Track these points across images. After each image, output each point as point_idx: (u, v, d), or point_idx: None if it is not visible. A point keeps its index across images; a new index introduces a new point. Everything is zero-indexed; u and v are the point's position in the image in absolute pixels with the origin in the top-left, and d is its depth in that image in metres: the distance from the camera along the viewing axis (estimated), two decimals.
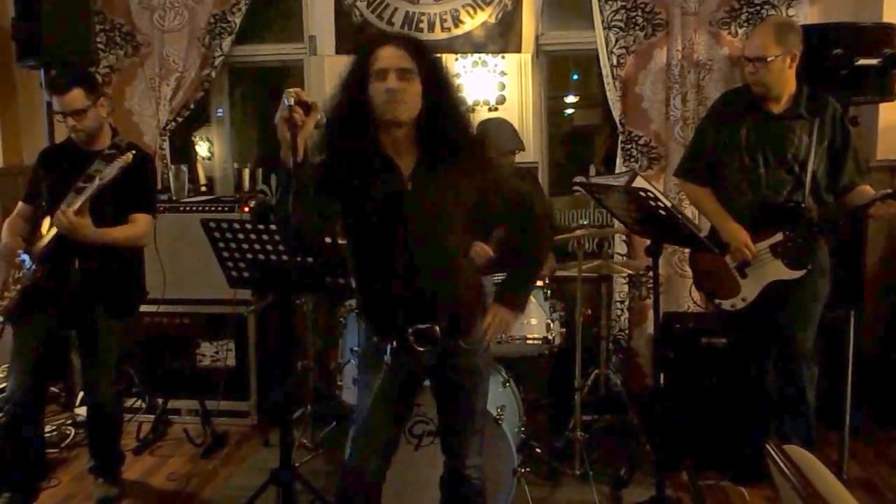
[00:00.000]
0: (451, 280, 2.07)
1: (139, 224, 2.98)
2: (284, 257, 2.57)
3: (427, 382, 2.28)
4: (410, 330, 2.05)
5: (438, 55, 2.06)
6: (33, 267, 2.85)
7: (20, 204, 3.06)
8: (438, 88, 1.99)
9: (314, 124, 1.88)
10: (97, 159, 2.90)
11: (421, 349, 2.06)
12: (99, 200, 2.78)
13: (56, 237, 2.81)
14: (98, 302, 2.95)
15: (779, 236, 2.91)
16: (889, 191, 2.80)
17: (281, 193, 1.90)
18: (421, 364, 2.12)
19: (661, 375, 2.90)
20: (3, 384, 3.52)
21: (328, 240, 2.46)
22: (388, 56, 1.94)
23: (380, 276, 2.05)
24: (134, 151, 2.81)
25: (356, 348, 3.07)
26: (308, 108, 1.86)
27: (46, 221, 2.86)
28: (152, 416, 3.81)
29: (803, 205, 2.90)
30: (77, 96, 2.85)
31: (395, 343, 2.06)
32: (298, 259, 2.51)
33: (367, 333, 2.16)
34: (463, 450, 2.22)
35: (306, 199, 1.88)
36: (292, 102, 1.82)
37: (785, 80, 2.88)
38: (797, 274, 2.91)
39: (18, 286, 2.86)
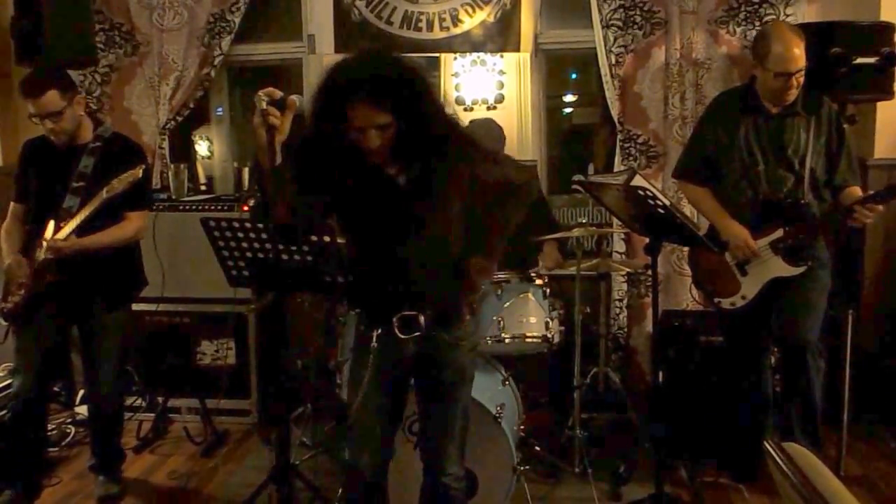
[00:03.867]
0: (441, 273, 2.07)
1: (131, 223, 2.97)
2: (284, 256, 2.57)
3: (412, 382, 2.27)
4: (396, 317, 2.06)
5: (411, 75, 1.92)
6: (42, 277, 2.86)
7: (13, 205, 3.05)
8: (417, 113, 1.90)
9: (290, 121, 1.84)
10: (84, 154, 2.90)
11: (404, 336, 2.07)
12: (94, 195, 2.80)
13: None
14: (96, 293, 2.95)
15: (779, 233, 2.92)
16: (872, 192, 2.82)
17: (261, 197, 1.91)
18: (405, 353, 2.10)
19: (660, 373, 2.91)
20: (6, 382, 3.54)
21: (326, 238, 2.47)
22: (365, 116, 1.85)
23: (372, 268, 2.06)
24: (143, 167, 2.81)
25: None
26: (283, 105, 1.83)
27: (49, 227, 2.84)
28: (153, 415, 3.82)
29: (803, 201, 2.91)
30: (52, 98, 2.80)
31: (380, 330, 2.07)
32: (297, 256, 2.52)
33: (357, 325, 2.18)
34: (441, 455, 2.19)
35: (287, 198, 1.88)
36: (264, 106, 1.80)
37: None
38: (797, 270, 2.92)
39: (23, 291, 2.86)
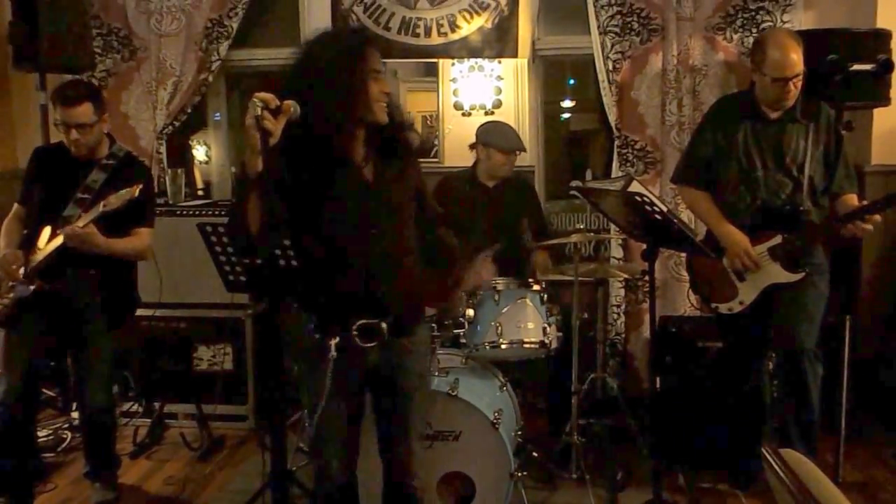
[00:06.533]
0: (402, 276, 2.06)
1: (143, 237, 2.99)
2: (282, 262, 2.57)
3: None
4: (356, 325, 2.03)
5: None
6: (31, 288, 2.84)
7: (16, 206, 3.07)
8: None
9: (282, 125, 1.84)
10: (94, 169, 2.91)
11: (365, 345, 2.04)
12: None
13: (56, 251, 2.81)
14: (91, 313, 2.94)
15: (777, 239, 2.92)
16: (865, 203, 2.82)
17: (239, 200, 1.88)
18: (365, 362, 2.07)
19: (658, 379, 2.91)
20: None
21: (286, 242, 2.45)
22: (378, 57, 1.98)
23: (331, 271, 2.02)
24: (140, 186, 2.79)
25: None
26: (277, 112, 1.83)
27: (44, 234, 2.85)
28: (149, 421, 3.81)
29: (802, 208, 2.91)
30: (86, 111, 2.86)
31: (338, 339, 2.02)
32: (294, 262, 2.52)
33: (308, 331, 2.09)
34: (407, 461, 2.18)
35: (270, 202, 1.86)
36: (259, 112, 1.80)
37: None
38: (795, 277, 2.92)
39: (12, 295, 2.86)
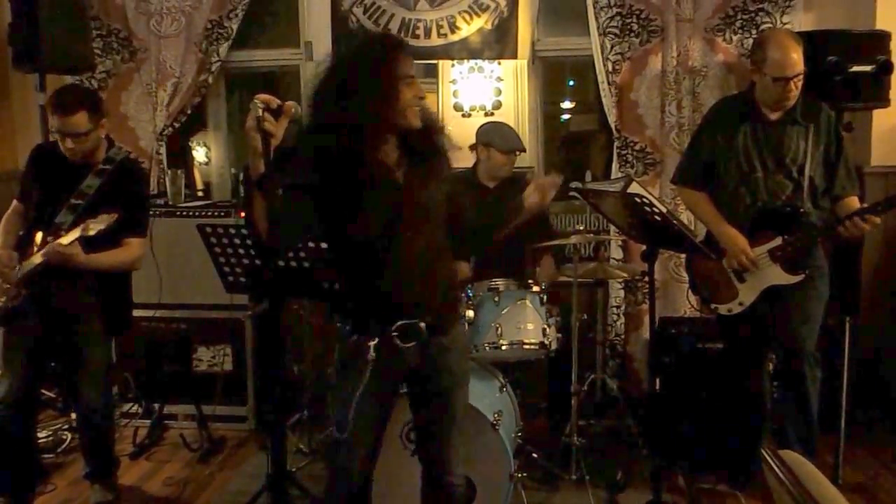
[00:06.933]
0: (437, 276, 2.08)
1: (132, 248, 2.92)
2: (280, 262, 2.58)
3: (404, 389, 2.26)
4: (395, 326, 2.04)
5: None
6: (22, 292, 2.83)
7: (15, 202, 3.05)
8: None
9: (284, 126, 1.85)
10: (91, 174, 2.88)
11: (405, 346, 2.05)
12: (89, 217, 2.74)
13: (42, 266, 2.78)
14: (85, 316, 2.93)
15: (778, 241, 2.91)
16: (866, 205, 2.82)
17: (245, 203, 1.91)
18: (404, 363, 2.09)
19: (657, 380, 2.91)
20: None
21: (323, 245, 2.47)
22: (412, 62, 2.00)
23: (367, 275, 2.04)
24: (116, 216, 2.71)
25: None
26: (279, 112, 1.83)
27: (38, 240, 2.82)
28: (149, 421, 3.81)
29: (802, 210, 2.91)
30: (81, 119, 2.79)
31: (377, 340, 2.04)
32: (293, 263, 2.52)
33: (345, 334, 2.12)
34: (447, 457, 2.20)
35: (278, 202, 1.89)
36: (260, 113, 1.80)
37: None
38: (795, 279, 2.92)
39: (4, 298, 2.84)
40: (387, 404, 2.19)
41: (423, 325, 2.06)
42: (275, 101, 1.83)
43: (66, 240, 2.70)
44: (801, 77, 2.82)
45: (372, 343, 2.04)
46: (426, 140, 2.07)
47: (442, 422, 2.19)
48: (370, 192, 1.98)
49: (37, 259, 2.78)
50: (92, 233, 2.66)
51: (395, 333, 2.04)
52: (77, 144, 2.83)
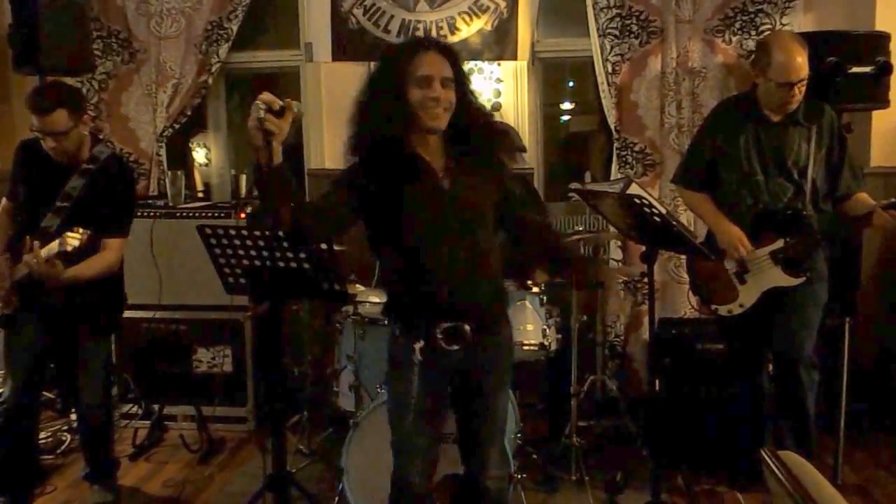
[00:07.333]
0: (482, 278, 2.08)
1: (110, 252, 2.85)
2: (281, 264, 2.57)
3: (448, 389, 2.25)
4: (439, 329, 2.05)
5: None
6: (13, 300, 2.81)
7: (4, 200, 3.02)
8: (467, 94, 2.07)
9: (289, 123, 1.86)
10: (74, 174, 2.83)
11: (450, 348, 2.06)
12: (76, 219, 2.72)
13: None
14: (82, 317, 2.91)
15: (779, 243, 2.91)
16: (893, 200, 2.79)
17: (260, 200, 1.95)
18: (449, 364, 2.09)
19: (657, 381, 2.91)
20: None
21: (324, 246, 2.47)
22: (433, 63, 1.99)
23: (412, 277, 2.05)
24: (89, 234, 2.63)
25: (352, 354, 3.08)
26: (281, 112, 1.84)
27: (27, 244, 2.74)
28: (148, 422, 3.81)
29: (804, 212, 2.91)
30: (60, 118, 2.72)
31: (423, 342, 2.05)
32: (293, 264, 2.52)
33: (392, 335, 2.14)
34: (486, 459, 2.21)
35: (290, 198, 1.90)
36: (262, 115, 1.81)
37: None
38: (796, 281, 2.91)
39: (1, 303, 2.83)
40: (439, 405, 2.17)
41: (467, 327, 2.06)
42: (277, 102, 1.83)
43: (43, 252, 2.60)
44: (805, 81, 2.80)
45: (417, 346, 2.04)
46: (476, 143, 2.07)
47: (485, 423, 2.20)
48: (413, 197, 1.99)
49: (24, 268, 2.72)
50: (69, 248, 2.59)
51: (439, 336, 2.05)
52: (58, 143, 2.76)
